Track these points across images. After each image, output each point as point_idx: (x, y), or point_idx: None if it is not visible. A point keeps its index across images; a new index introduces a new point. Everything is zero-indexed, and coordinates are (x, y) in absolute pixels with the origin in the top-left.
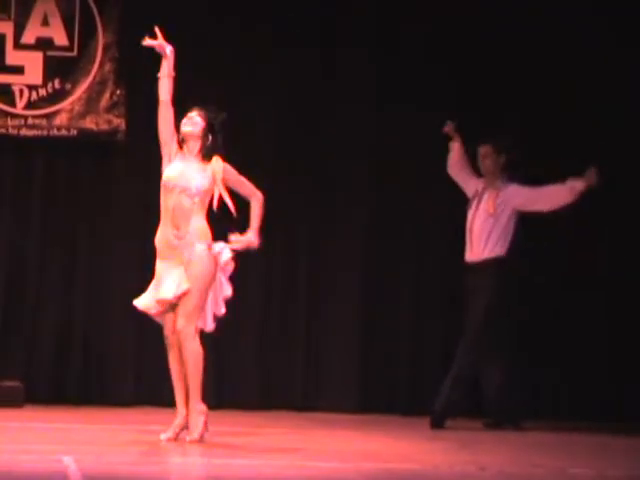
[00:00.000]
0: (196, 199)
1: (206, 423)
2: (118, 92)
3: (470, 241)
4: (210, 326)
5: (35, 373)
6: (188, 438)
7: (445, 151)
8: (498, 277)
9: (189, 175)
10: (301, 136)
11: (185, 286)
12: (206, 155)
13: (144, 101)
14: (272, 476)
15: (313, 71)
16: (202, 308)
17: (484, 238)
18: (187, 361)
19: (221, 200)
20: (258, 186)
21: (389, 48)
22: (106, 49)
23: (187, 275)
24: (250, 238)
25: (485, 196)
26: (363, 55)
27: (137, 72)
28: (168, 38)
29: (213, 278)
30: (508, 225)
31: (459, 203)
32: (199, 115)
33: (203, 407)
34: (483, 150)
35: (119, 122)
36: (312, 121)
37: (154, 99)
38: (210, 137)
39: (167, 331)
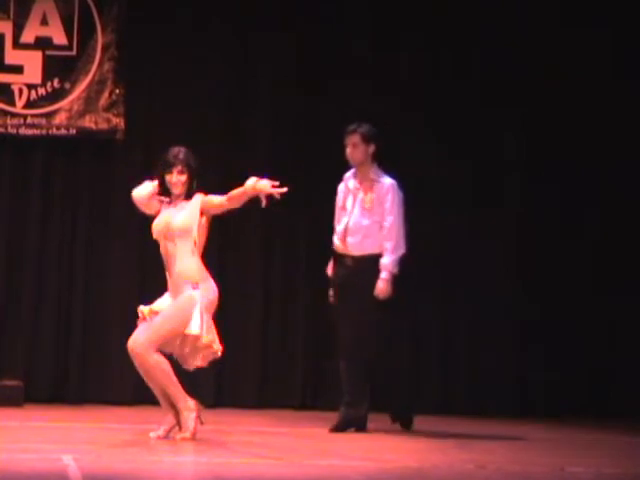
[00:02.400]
0: (177, 240)
1: (197, 418)
2: (117, 91)
3: (348, 235)
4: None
5: (35, 372)
6: (179, 436)
7: None
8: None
9: (169, 219)
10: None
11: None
12: (187, 196)
13: (143, 100)
14: (271, 475)
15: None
16: (164, 338)
17: (362, 232)
18: (154, 375)
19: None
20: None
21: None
22: (105, 48)
23: (169, 305)
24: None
25: (360, 191)
26: None
27: (136, 71)
28: (167, 37)
29: (188, 317)
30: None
31: None
32: (182, 171)
33: (191, 403)
34: (352, 139)
35: (118, 121)
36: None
37: (153, 98)
38: (193, 183)
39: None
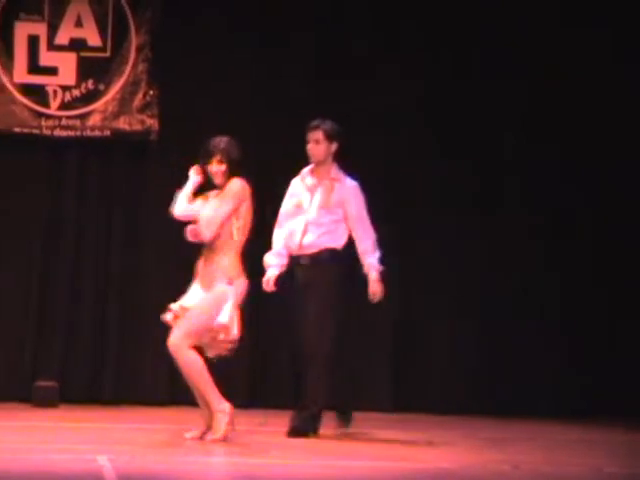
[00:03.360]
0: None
1: (230, 423)
2: (151, 92)
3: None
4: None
5: (70, 373)
6: (209, 437)
7: None
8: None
9: (203, 213)
10: None
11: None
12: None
13: (177, 101)
14: (303, 476)
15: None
16: (198, 333)
17: (321, 230)
18: (188, 373)
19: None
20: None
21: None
22: (139, 50)
23: (200, 299)
24: None
25: (319, 189)
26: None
27: (170, 72)
28: (200, 38)
29: (217, 311)
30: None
31: None
32: (221, 161)
33: (225, 406)
34: (314, 136)
35: (152, 122)
36: None
37: (187, 99)
38: (233, 173)
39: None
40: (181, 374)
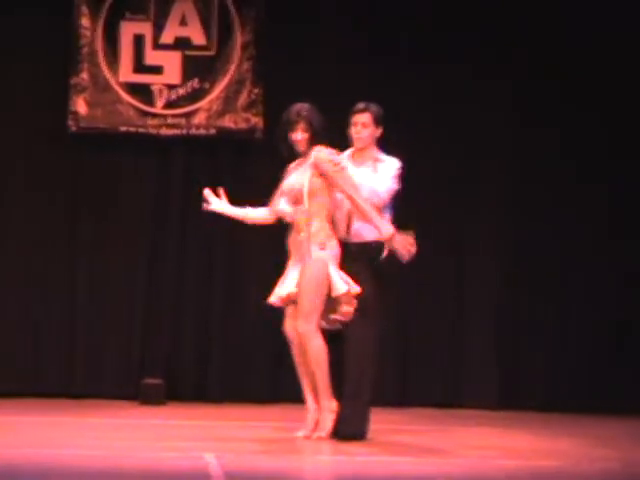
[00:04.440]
0: (300, 202)
1: (335, 421)
2: (256, 91)
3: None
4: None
5: (177, 371)
6: (315, 434)
7: None
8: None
9: (293, 180)
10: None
11: (293, 288)
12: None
13: (282, 99)
14: (411, 473)
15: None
16: (317, 308)
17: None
18: (310, 360)
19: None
20: None
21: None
22: (244, 48)
23: (301, 277)
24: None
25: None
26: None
27: (275, 71)
28: (305, 36)
29: (328, 280)
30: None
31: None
32: (305, 129)
33: (333, 404)
34: (362, 118)
35: (257, 120)
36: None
37: (292, 97)
38: (316, 141)
39: (285, 327)
40: (296, 364)
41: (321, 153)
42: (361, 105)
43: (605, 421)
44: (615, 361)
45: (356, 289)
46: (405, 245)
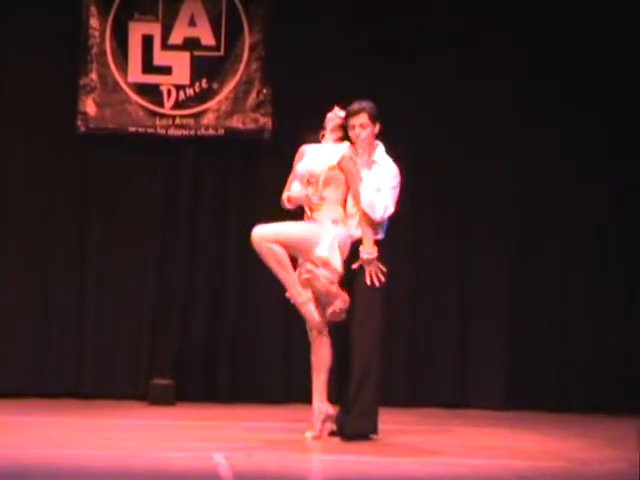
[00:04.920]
0: (316, 186)
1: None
2: (265, 91)
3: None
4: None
5: (186, 372)
6: (308, 434)
7: None
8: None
9: (312, 165)
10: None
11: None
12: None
13: (291, 100)
14: (420, 473)
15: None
16: (286, 237)
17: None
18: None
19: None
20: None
21: None
22: (252, 48)
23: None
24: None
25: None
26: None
27: (283, 71)
28: (313, 36)
29: (318, 237)
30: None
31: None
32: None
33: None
34: (359, 120)
35: (266, 121)
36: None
37: (300, 98)
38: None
39: (309, 325)
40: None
41: (348, 158)
42: (355, 106)
43: (614, 421)
44: (625, 360)
45: (335, 268)
46: (377, 272)
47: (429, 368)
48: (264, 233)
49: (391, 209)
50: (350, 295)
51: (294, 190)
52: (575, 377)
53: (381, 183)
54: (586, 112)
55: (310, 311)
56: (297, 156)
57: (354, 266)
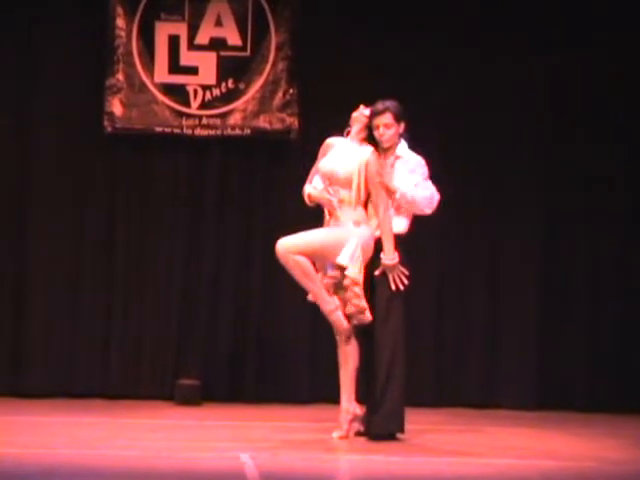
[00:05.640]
0: (340, 185)
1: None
2: (291, 91)
3: None
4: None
5: (212, 372)
6: (334, 434)
7: None
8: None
9: (336, 165)
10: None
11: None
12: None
13: (317, 100)
14: (448, 473)
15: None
16: (308, 245)
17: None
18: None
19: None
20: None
21: None
22: (279, 48)
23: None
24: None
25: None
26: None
27: (310, 71)
28: (340, 36)
29: (341, 242)
30: None
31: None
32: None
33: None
34: (384, 120)
35: (292, 121)
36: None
37: (327, 98)
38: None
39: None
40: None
41: (373, 162)
42: (379, 106)
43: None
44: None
45: (355, 273)
46: (400, 276)
47: (457, 368)
48: (288, 245)
49: (437, 195)
50: (371, 298)
51: (316, 187)
52: (604, 377)
53: (414, 178)
54: (586, 111)
55: (339, 318)
56: (322, 149)
57: (376, 273)
